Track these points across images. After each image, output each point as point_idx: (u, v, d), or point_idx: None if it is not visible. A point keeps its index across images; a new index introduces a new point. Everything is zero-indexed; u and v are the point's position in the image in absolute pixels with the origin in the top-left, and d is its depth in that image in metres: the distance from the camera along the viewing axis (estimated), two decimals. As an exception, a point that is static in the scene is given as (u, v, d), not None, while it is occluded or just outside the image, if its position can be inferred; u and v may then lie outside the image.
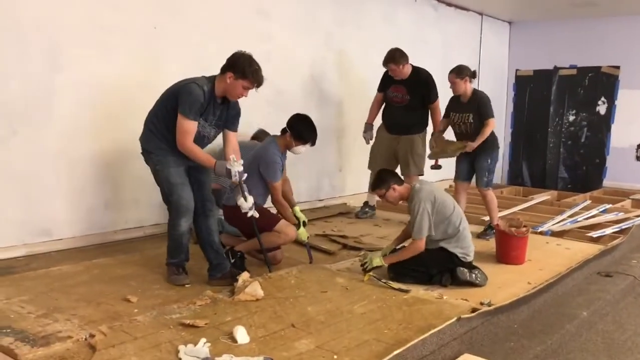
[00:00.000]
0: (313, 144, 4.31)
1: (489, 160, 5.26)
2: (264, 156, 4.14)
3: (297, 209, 4.38)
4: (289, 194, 4.51)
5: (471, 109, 5.18)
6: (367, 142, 6.07)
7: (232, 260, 3.98)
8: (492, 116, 5.20)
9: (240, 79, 3.55)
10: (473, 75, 5.21)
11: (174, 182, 3.64)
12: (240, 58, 3.57)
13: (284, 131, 4.26)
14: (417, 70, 5.75)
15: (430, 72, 5.81)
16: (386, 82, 5.88)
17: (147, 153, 3.72)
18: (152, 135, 3.66)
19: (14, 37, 4.04)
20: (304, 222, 4.32)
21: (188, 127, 3.50)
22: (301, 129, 4.21)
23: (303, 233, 4.28)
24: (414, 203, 3.91)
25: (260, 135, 5.11)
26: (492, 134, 5.23)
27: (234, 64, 3.56)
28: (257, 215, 3.74)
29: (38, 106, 4.22)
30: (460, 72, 5.17)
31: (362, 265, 3.95)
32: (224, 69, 3.59)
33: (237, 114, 3.79)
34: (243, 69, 3.53)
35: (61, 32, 4.26)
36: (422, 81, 5.68)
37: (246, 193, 3.64)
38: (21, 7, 4.06)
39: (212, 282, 3.77)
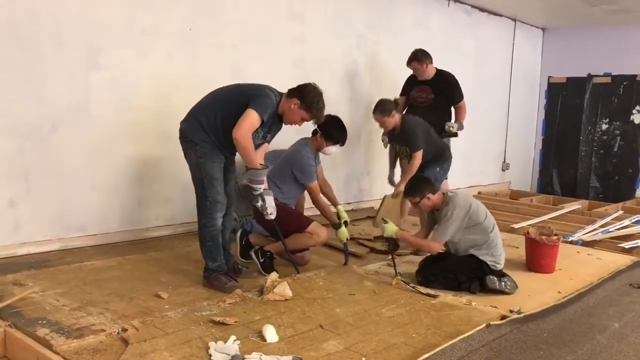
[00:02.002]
0: (343, 144, 4.33)
1: (437, 169, 5.05)
2: (297, 160, 4.18)
3: (340, 208, 4.43)
4: (330, 193, 4.53)
5: (404, 141, 4.98)
6: (385, 146, 6.08)
7: (262, 260, 4.03)
8: (421, 148, 4.84)
9: (303, 109, 3.60)
10: (396, 103, 4.95)
11: (216, 177, 3.63)
12: (312, 91, 3.62)
13: (314, 132, 4.30)
14: (441, 72, 5.79)
15: (462, 77, 5.79)
16: (410, 85, 5.91)
17: (191, 143, 3.63)
18: (200, 128, 3.59)
19: (55, 37, 4.15)
20: (345, 222, 4.33)
21: (254, 120, 3.47)
22: (331, 129, 4.23)
23: (343, 233, 4.27)
24: (448, 208, 3.87)
25: None
26: (444, 144, 5.13)
27: (304, 93, 3.60)
28: (273, 216, 3.73)
29: (77, 104, 4.32)
30: (384, 109, 4.82)
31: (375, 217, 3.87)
32: (292, 94, 3.62)
33: (280, 129, 3.83)
34: (311, 103, 3.59)
35: (100, 32, 4.36)
36: (446, 81, 5.67)
37: (267, 200, 3.67)
38: (62, 8, 4.16)
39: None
